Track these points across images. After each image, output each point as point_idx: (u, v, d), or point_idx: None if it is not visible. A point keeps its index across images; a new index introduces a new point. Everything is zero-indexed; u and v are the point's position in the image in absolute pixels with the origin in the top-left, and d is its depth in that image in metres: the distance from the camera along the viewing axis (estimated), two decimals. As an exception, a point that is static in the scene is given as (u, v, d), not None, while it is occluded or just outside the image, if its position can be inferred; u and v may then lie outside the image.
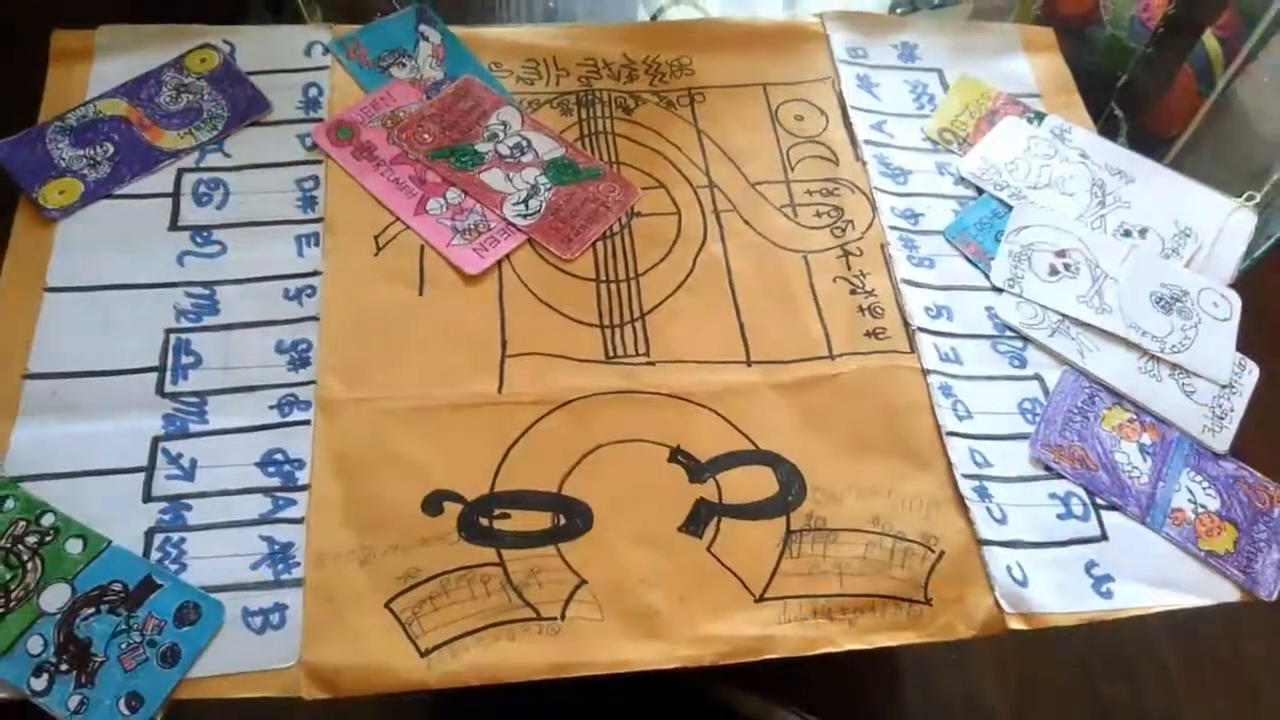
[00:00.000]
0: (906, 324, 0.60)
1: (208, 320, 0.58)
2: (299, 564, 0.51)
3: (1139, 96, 0.80)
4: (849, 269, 0.63)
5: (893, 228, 0.64)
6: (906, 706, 1.22)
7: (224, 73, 0.67)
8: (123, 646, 0.48)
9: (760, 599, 0.52)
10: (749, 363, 0.59)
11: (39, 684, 0.47)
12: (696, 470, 0.55)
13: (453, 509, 0.53)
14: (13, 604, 0.49)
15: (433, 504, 0.54)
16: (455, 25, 0.71)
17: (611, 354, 0.59)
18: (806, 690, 1.07)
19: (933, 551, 0.53)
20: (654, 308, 0.61)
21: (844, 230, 0.64)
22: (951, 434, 0.56)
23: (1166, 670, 1.21)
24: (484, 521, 0.53)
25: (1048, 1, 0.81)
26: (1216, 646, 1.21)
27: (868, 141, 0.68)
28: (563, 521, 0.54)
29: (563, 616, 0.51)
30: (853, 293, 0.62)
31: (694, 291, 0.62)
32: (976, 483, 0.55)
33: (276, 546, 0.51)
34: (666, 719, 1.04)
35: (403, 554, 0.52)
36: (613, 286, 0.61)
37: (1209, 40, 0.81)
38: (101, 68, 0.67)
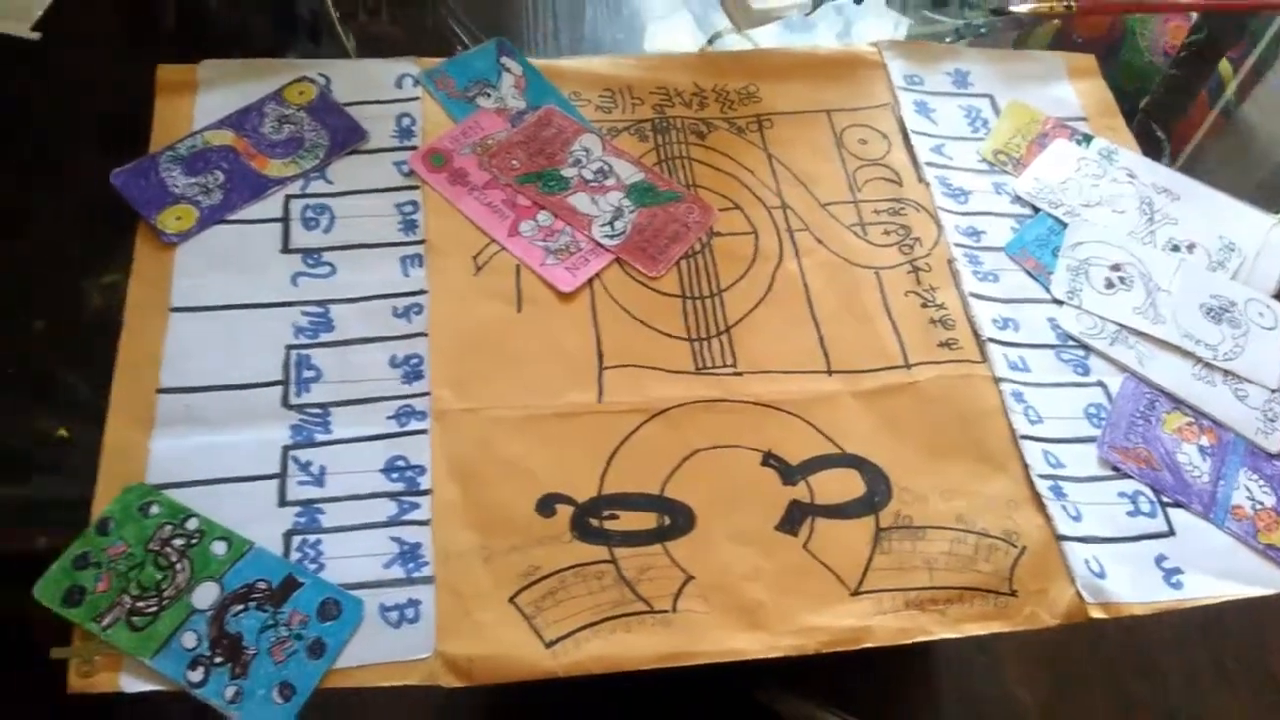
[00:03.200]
0: (977, 335, 0.65)
1: (324, 337, 0.62)
2: (428, 562, 0.55)
3: (1159, 119, 0.85)
4: (919, 284, 0.67)
5: (957, 244, 0.68)
6: (941, 706, 1.25)
7: (321, 104, 0.71)
8: (271, 640, 0.52)
9: (856, 592, 0.56)
10: (830, 372, 0.63)
11: (196, 676, 0.50)
12: (788, 473, 0.59)
13: (564, 510, 0.57)
14: (166, 602, 0.52)
15: (546, 506, 0.57)
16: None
17: (701, 365, 0.63)
18: (844, 691, 1.11)
19: (1015, 547, 0.57)
20: (738, 321, 0.65)
21: (912, 247, 0.68)
22: (1025, 437, 0.60)
23: (1194, 669, 1.25)
24: (594, 522, 0.57)
25: (1065, 26, 0.86)
26: (1243, 646, 1.25)
27: (929, 164, 0.72)
28: (667, 522, 0.57)
29: (673, 609, 0.55)
30: (924, 306, 0.66)
31: (774, 306, 0.66)
32: (1051, 482, 0.59)
33: (406, 546, 0.55)
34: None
35: (522, 553, 0.56)
36: (698, 302, 0.66)
37: (1222, 64, 0.86)
38: (205, 100, 0.71)
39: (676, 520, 0.57)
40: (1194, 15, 0.85)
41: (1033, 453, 0.60)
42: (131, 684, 0.50)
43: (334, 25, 0.76)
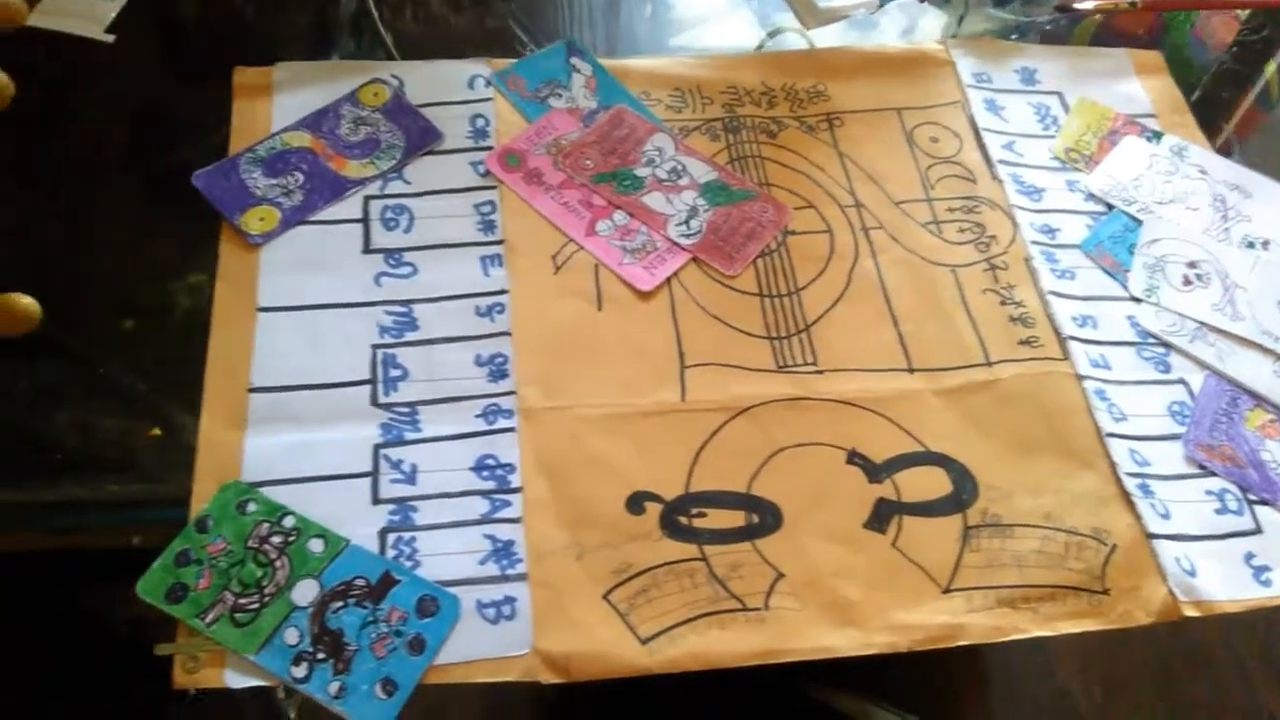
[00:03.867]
0: (1057, 333, 0.65)
1: (409, 336, 0.63)
2: (521, 560, 0.55)
3: (1209, 114, 0.84)
4: (996, 282, 0.67)
5: (1034, 242, 0.68)
6: (995, 708, 1.25)
7: (395, 106, 0.72)
8: (372, 636, 0.52)
9: (947, 590, 0.56)
10: (911, 370, 0.63)
11: (299, 672, 0.51)
12: (873, 471, 0.60)
13: (653, 508, 0.58)
14: (267, 599, 0.53)
15: (635, 504, 0.58)
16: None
17: (782, 363, 0.63)
18: (895, 688, 1.11)
19: (1105, 545, 0.57)
20: (816, 320, 0.65)
21: (987, 245, 0.68)
22: (1111, 435, 0.60)
23: (1246, 668, 1.24)
24: (683, 520, 0.57)
25: (1105, 23, 0.85)
26: (1294, 642, 1.24)
27: (1001, 161, 0.72)
28: (755, 520, 0.58)
29: (766, 607, 0.55)
30: (1002, 304, 0.66)
31: (852, 304, 0.66)
32: (1139, 480, 0.59)
33: (499, 544, 0.56)
34: (766, 718, 1.08)
35: (613, 550, 0.56)
36: (776, 301, 0.66)
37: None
38: (281, 101, 0.72)
39: (765, 518, 0.58)
40: (1245, 11, 0.85)
41: (1119, 450, 0.60)
42: (236, 680, 0.51)
43: (377, 28, 0.77)
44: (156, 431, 0.59)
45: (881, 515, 0.58)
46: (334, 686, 0.51)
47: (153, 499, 0.57)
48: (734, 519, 0.58)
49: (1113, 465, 0.60)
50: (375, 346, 0.62)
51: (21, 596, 0.62)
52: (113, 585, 0.62)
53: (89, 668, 0.70)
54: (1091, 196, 0.72)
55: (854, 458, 0.60)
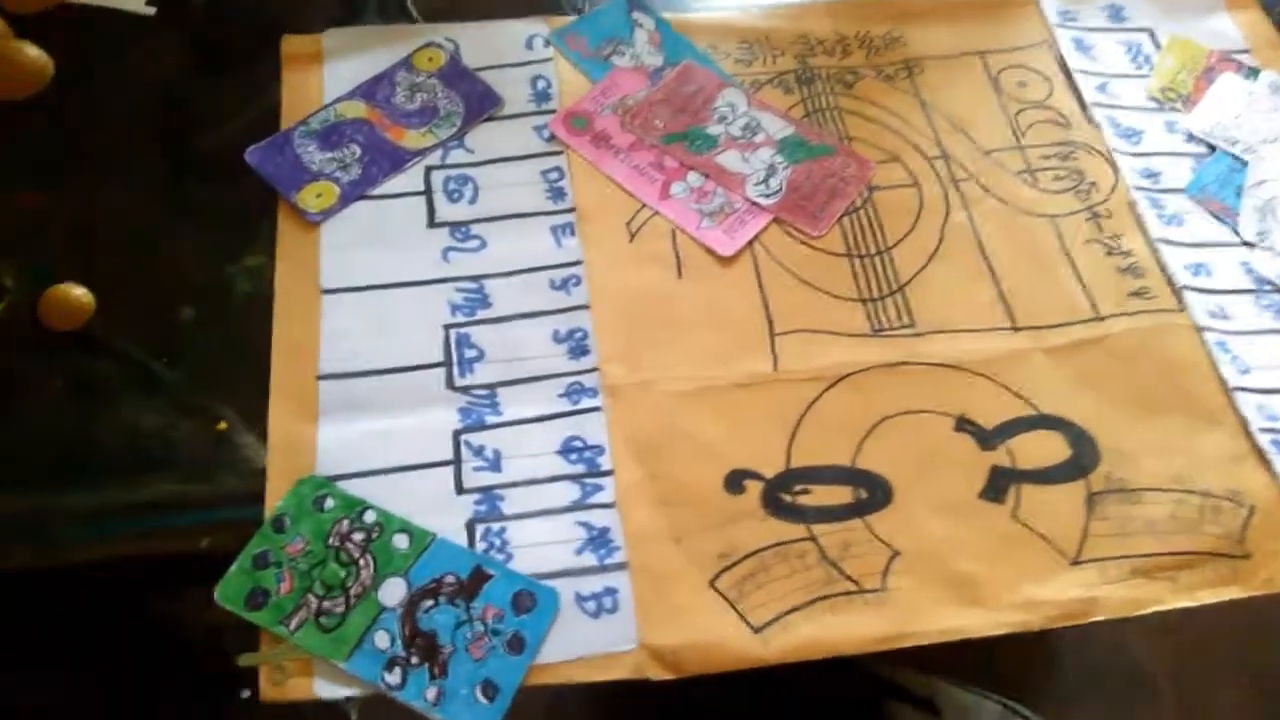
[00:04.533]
0: (1170, 282, 0.60)
1: (481, 314, 0.59)
2: (619, 548, 0.52)
3: None
4: (1100, 231, 0.62)
5: (1137, 188, 0.64)
6: (1062, 676, 1.22)
7: (452, 70, 0.68)
8: (468, 637, 0.49)
9: (1076, 562, 0.52)
10: (1015, 328, 0.59)
11: (393, 678, 0.48)
12: (984, 437, 0.56)
13: (754, 486, 0.54)
14: (353, 601, 0.49)
15: (734, 483, 0.54)
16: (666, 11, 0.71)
17: (877, 327, 0.59)
18: (961, 662, 1.07)
19: (1242, 506, 0.53)
20: (910, 279, 0.61)
21: (1088, 193, 0.64)
22: (1237, 389, 0.56)
23: (1326, 636, 1.20)
24: (786, 498, 0.54)
25: None
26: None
27: (1095, 104, 0.68)
28: (864, 495, 0.54)
29: (884, 587, 0.51)
30: (1109, 254, 0.62)
31: (947, 261, 0.62)
32: (1272, 436, 0.55)
33: (594, 531, 0.52)
34: (834, 701, 1.04)
35: (715, 533, 0.53)
36: (865, 261, 0.62)
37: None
38: (333, 70, 0.68)
39: (874, 493, 0.54)
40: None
41: (1248, 405, 0.56)
42: (326, 689, 0.48)
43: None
44: (223, 425, 0.55)
45: (998, 485, 0.54)
46: (431, 692, 0.47)
47: (222, 498, 0.54)
48: (840, 495, 0.54)
49: (1242, 421, 0.56)
50: (448, 326, 0.58)
51: (89, 607, 0.58)
52: (183, 592, 0.59)
53: (159, 679, 0.67)
54: (1192, 137, 0.67)
55: (963, 424, 0.56)
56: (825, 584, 0.51)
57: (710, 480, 0.54)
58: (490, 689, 0.47)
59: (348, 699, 0.48)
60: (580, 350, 0.58)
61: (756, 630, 0.50)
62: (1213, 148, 0.67)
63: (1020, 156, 0.66)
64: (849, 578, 0.51)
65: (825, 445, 0.55)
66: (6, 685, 0.61)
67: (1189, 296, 0.60)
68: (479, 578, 0.50)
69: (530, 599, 0.50)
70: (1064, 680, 1.20)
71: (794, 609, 0.51)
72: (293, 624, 0.49)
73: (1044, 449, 0.55)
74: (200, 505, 0.54)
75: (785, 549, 0.52)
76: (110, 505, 0.53)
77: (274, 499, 0.52)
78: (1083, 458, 0.55)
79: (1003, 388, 0.57)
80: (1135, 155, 0.66)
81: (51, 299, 0.57)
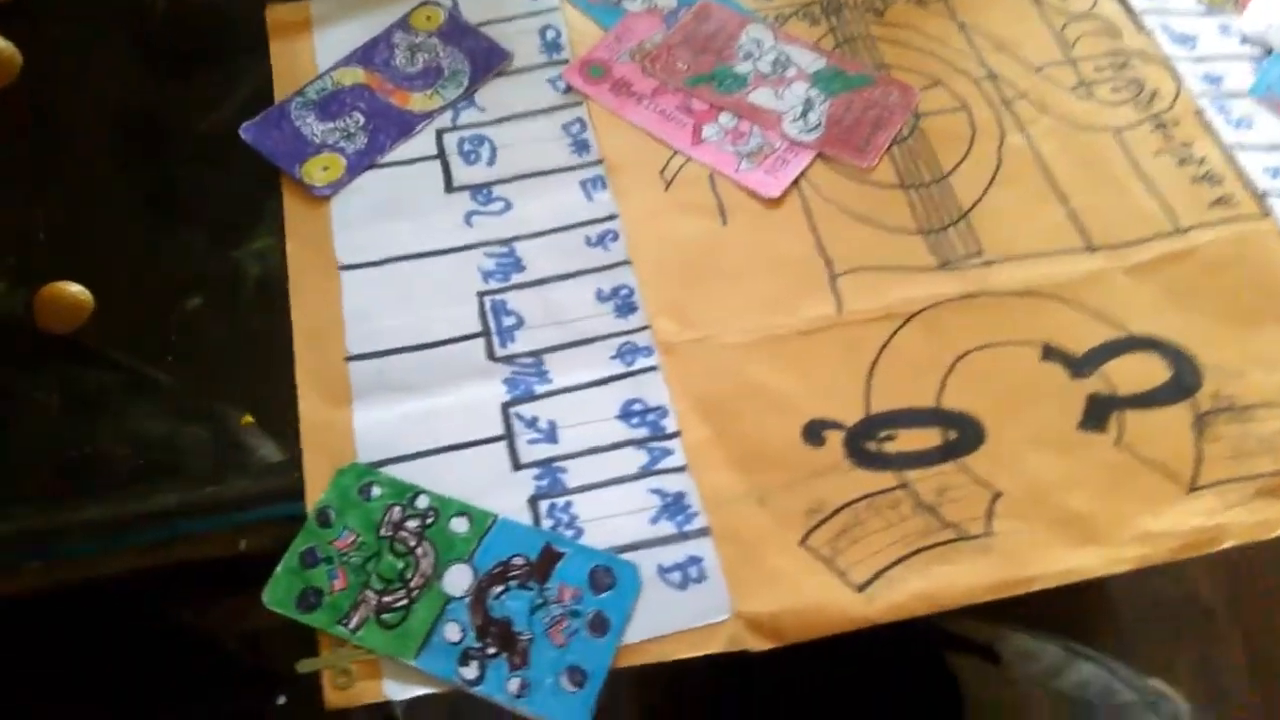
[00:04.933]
0: (1251, 189, 0.56)
1: (516, 278, 0.54)
2: (698, 513, 0.47)
3: None
4: (1169, 141, 0.58)
5: (1201, 94, 0.60)
6: (1118, 608, 1.17)
7: (452, 27, 0.63)
8: (545, 621, 0.44)
9: (1193, 488, 0.48)
10: (1091, 249, 0.55)
11: (470, 672, 0.43)
12: (1075, 365, 0.51)
13: (834, 437, 0.50)
14: (415, 593, 0.45)
15: (812, 434, 0.50)
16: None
17: (943, 259, 0.55)
18: (1015, 601, 1.03)
19: (1361, 412, 0.49)
20: (972, 206, 0.57)
21: (1149, 102, 0.60)
22: (1340, 292, 0.52)
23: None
24: (871, 446, 0.49)
25: None
26: None
27: (1144, 11, 0.64)
28: (953, 436, 0.50)
29: (988, 532, 0.47)
30: (1181, 164, 0.58)
31: (1008, 184, 0.58)
32: (1383, 338, 0.51)
33: (669, 498, 0.48)
34: (893, 660, 0.99)
35: (799, 489, 0.48)
36: (921, 191, 0.57)
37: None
38: (324, 37, 0.63)
39: (964, 433, 0.49)
40: None
41: (1352, 309, 0.52)
42: (398, 690, 0.43)
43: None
44: (248, 419, 0.50)
45: (1096, 413, 0.50)
46: (514, 684, 0.42)
47: (256, 496, 0.49)
48: (928, 438, 0.49)
49: (1351, 325, 0.51)
50: (482, 294, 0.54)
51: (121, 619, 0.53)
52: (218, 601, 0.54)
53: (191, 692, 0.62)
54: (1246, 39, 0.63)
55: (1049, 354, 0.52)
56: (925, 533, 0.47)
57: (786, 434, 0.50)
58: (578, 675, 0.43)
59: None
60: (627, 308, 0.53)
61: (859, 589, 0.45)
62: (1269, 50, 0.63)
63: (1072, 70, 0.62)
64: (950, 524, 0.47)
65: (905, 387, 0.51)
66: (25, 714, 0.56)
67: (1273, 203, 0.56)
68: (550, 557, 0.46)
69: (608, 575, 0.45)
70: (1123, 617, 1.16)
71: (895, 563, 0.46)
72: (352, 623, 0.44)
73: (1141, 372, 0.51)
74: (232, 506, 0.49)
75: (877, 500, 0.48)
76: (127, 514, 0.48)
77: (314, 492, 0.47)
78: (1184, 377, 0.51)
79: (1087, 311, 0.53)
80: (1193, 60, 0.62)
81: (46, 299, 0.52)
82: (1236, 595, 1.15)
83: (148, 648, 0.64)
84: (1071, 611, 1.11)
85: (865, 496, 0.48)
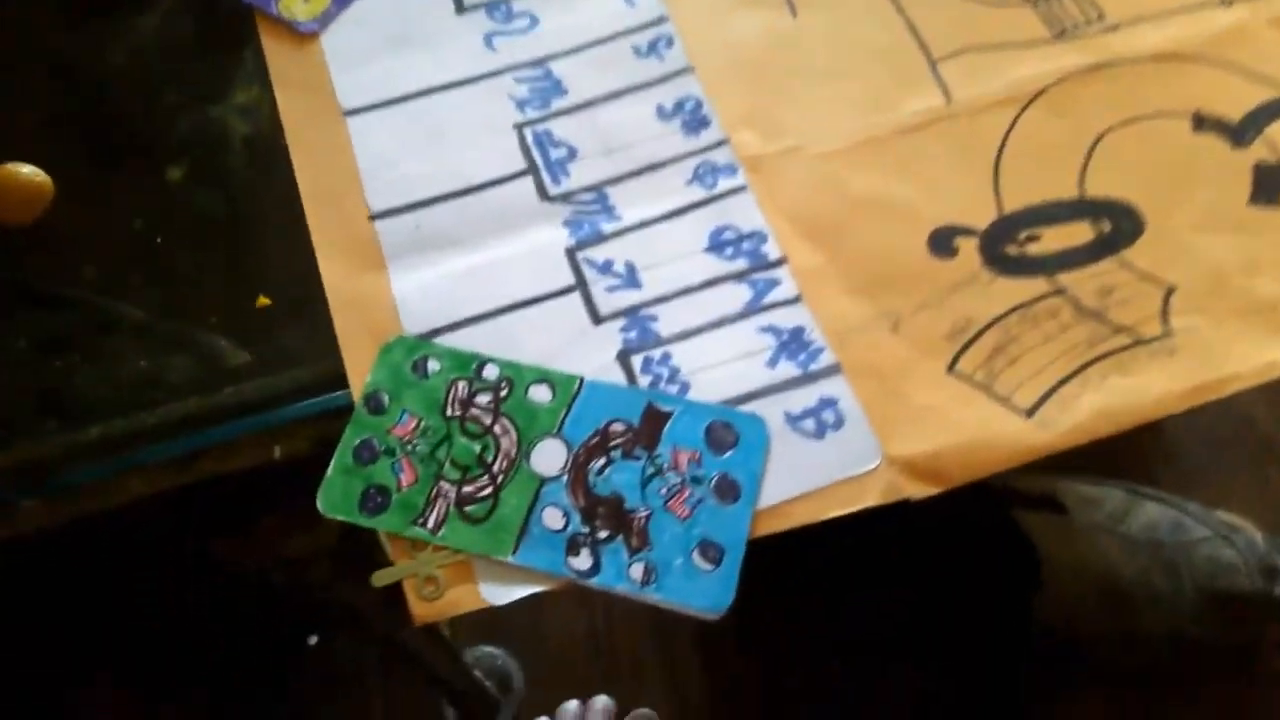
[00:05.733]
0: None
1: (557, 104, 0.45)
2: (822, 349, 0.39)
3: None
4: None
5: None
6: (1171, 434, 1.12)
7: None
8: (662, 493, 0.36)
9: (1398, 256, 0.40)
10: (1226, 1, 0.46)
11: (581, 562, 0.35)
12: (1234, 133, 0.43)
13: (967, 244, 0.41)
14: (501, 478, 0.36)
15: (940, 244, 0.41)
16: None
17: (1059, 29, 0.46)
18: (1082, 460, 0.97)
19: None
20: (1081, -33, 0.47)
21: None
22: None
23: None
24: (1012, 250, 0.41)
25: None
26: None
27: None
28: (1106, 228, 0.41)
29: (1167, 332, 0.39)
30: (1319, -108, 0.48)
31: (1118, -63, 0.48)
32: None
33: (784, 335, 0.39)
34: (958, 521, 0.93)
35: (936, 309, 0.40)
36: (1018, -45, 0.48)
37: None
38: None
39: (1118, 223, 0.41)
40: None
41: None
42: (498, 593, 0.35)
43: None
44: (265, 301, 0.41)
45: (1267, 184, 0.42)
46: (636, 570, 0.35)
47: (289, 390, 0.40)
48: (1077, 233, 0.41)
49: None
50: (520, 126, 0.44)
51: (135, 558, 0.45)
52: (250, 523, 0.46)
53: (215, 632, 0.54)
54: None
55: (1202, 123, 0.43)
56: (1093, 343, 0.39)
57: (910, 248, 0.41)
58: (711, 550, 0.35)
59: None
60: (696, 124, 0.44)
61: (1027, 414, 0.38)
62: None
63: None
64: (1121, 328, 0.39)
65: (1040, 178, 0.43)
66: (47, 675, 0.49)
67: None
68: (655, 419, 0.37)
69: (729, 432, 0.37)
70: (1180, 454, 1.10)
71: (1064, 380, 0.38)
72: (430, 521, 0.36)
73: (1311, 130, 0.43)
74: (259, 405, 0.40)
75: (1030, 310, 0.40)
76: (132, 431, 0.39)
77: (358, 376, 0.39)
78: (1362, 130, 0.42)
79: (1236, 71, 0.45)
80: None
81: (-3, 184, 0.42)
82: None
83: (167, 588, 0.56)
84: (1127, 453, 1.04)
85: (1015, 308, 0.40)
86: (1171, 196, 0.42)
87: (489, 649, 0.82)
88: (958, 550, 0.87)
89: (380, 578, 0.35)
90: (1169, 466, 1.11)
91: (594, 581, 0.35)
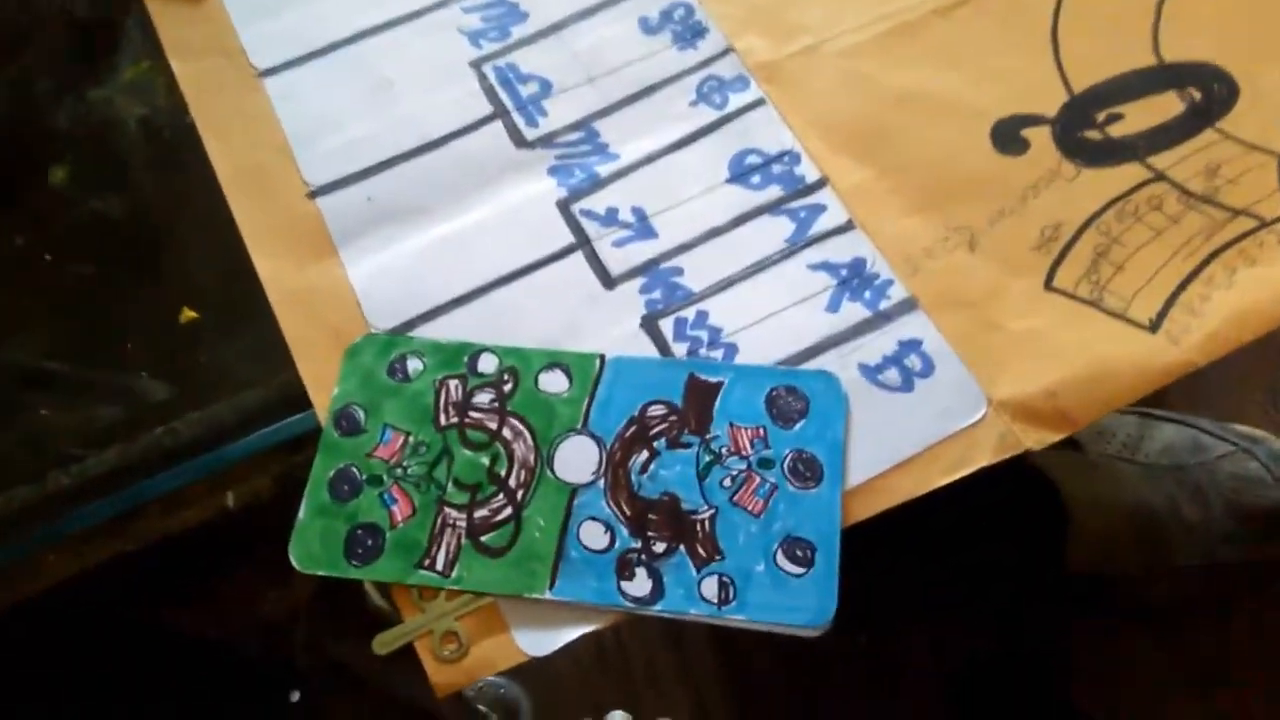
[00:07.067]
0: None
1: (518, 31, 0.37)
2: (890, 280, 0.32)
3: None
4: None
5: None
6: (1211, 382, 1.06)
7: None
8: (726, 485, 0.28)
9: None
10: None
11: (638, 587, 0.27)
12: (1323, -33, 0.36)
13: (1038, 135, 0.34)
14: (520, 494, 0.28)
15: (1007, 139, 0.34)
16: None
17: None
18: None
19: None
20: None
21: None
22: None
23: None
24: (1092, 135, 0.34)
25: None
26: None
27: None
28: (1196, 96, 0.34)
29: (1298, 210, 0.32)
30: None
31: None
32: None
33: (843, 271, 0.32)
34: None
35: (1017, 216, 0.33)
36: None
37: None
38: None
39: (1208, 87, 0.34)
40: None
41: None
42: (537, 641, 0.28)
43: None
44: (190, 314, 0.33)
45: (1373, 22, 0.35)
46: (709, 587, 0.27)
47: (234, 420, 0.32)
48: (1164, 106, 0.34)
49: None
50: (477, 63, 0.36)
51: (87, 636, 0.37)
52: (209, 586, 0.38)
53: (198, 702, 0.46)
54: None
55: (1283, -40, 0.36)
56: (1211, 232, 0.32)
57: (971, 147, 0.34)
58: (800, 549, 0.27)
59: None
60: (691, 33, 0.36)
61: (1150, 328, 0.30)
62: None
63: None
64: (1239, 211, 0.32)
65: (1108, 47, 0.36)
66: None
67: None
68: (702, 393, 0.30)
69: (795, 398, 0.29)
70: (1195, 372, 1.05)
71: (1186, 281, 0.31)
72: (439, 561, 0.28)
73: None
74: (198, 446, 0.32)
75: (1128, 203, 0.32)
76: (44, 498, 0.31)
77: (322, 391, 0.31)
78: None
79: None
80: None
81: None
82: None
83: (127, 661, 0.48)
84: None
85: (1111, 203, 0.33)
86: (1264, 51, 0.35)
87: (491, 678, 0.74)
88: (980, 503, 0.80)
89: (384, 642, 0.27)
90: (1175, 383, 1.05)
91: (658, 608, 0.27)
